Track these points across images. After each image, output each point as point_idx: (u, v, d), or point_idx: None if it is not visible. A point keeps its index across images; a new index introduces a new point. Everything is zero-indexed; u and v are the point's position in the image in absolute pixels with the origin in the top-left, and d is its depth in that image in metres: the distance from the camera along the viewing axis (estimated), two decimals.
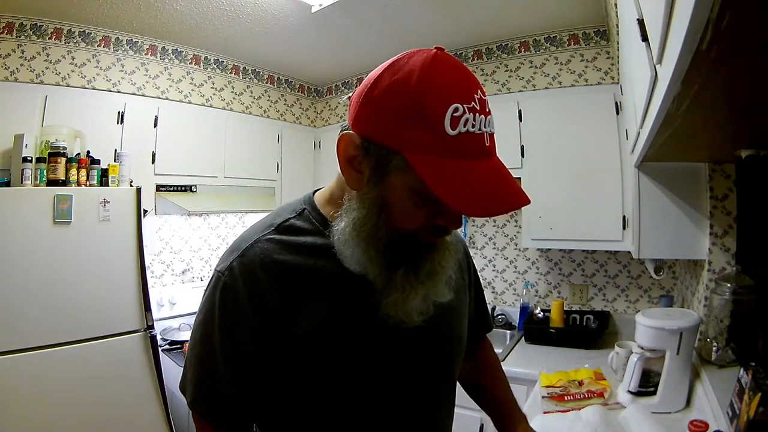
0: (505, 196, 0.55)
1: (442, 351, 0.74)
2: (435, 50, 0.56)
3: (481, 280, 0.98)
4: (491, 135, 0.56)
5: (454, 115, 0.52)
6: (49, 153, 1.92)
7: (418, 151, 0.53)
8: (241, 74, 3.11)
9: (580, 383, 1.63)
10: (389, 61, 0.58)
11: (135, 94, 2.53)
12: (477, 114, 0.54)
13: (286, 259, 0.64)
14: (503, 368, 1.02)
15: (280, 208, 0.72)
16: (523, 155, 2.40)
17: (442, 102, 0.52)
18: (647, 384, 1.39)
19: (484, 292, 0.94)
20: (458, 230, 0.71)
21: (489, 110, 0.56)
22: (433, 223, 0.60)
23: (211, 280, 0.67)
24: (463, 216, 0.60)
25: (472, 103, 0.54)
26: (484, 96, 0.56)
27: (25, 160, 1.86)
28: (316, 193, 0.72)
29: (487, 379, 0.97)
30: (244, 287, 0.63)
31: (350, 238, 0.61)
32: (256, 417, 0.70)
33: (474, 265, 0.90)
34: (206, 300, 0.66)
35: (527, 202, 0.56)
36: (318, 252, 0.64)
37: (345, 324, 0.64)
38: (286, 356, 0.63)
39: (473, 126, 0.53)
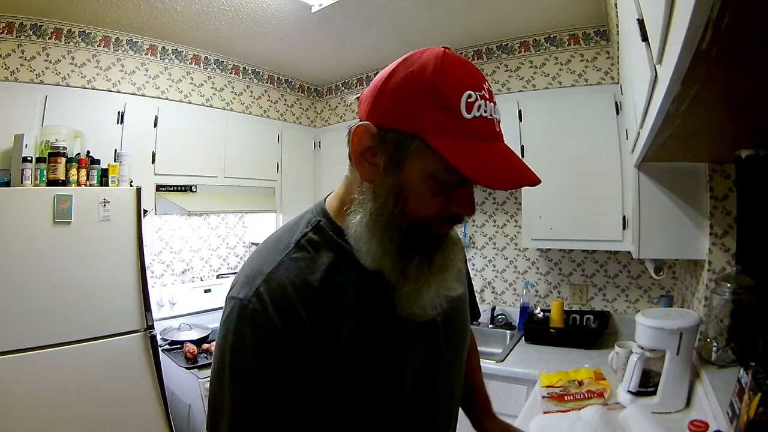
0: (521, 172, 0.58)
1: (456, 343, 0.76)
2: (443, 48, 0.60)
3: (476, 275, 1.04)
4: (499, 122, 0.60)
5: (468, 100, 0.56)
6: (49, 153, 1.92)
7: (436, 133, 0.56)
8: (241, 74, 3.11)
9: (580, 383, 1.63)
10: (401, 58, 0.61)
11: (135, 94, 2.53)
12: (487, 101, 0.58)
13: (314, 278, 0.62)
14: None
15: (293, 223, 0.69)
16: (523, 155, 2.39)
17: (458, 88, 0.56)
18: (647, 384, 1.39)
19: (485, 292, 0.98)
20: (457, 230, 0.73)
21: (495, 100, 0.60)
22: (448, 211, 0.61)
23: (231, 310, 0.61)
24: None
25: (482, 91, 0.57)
26: (490, 87, 0.60)
27: (25, 160, 1.86)
28: (326, 201, 0.71)
29: (469, 363, 0.98)
30: (278, 312, 0.58)
31: (366, 230, 0.61)
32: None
33: (465, 255, 0.92)
34: (233, 332, 0.60)
35: (539, 181, 0.58)
36: (341, 266, 0.63)
37: (373, 330, 0.64)
38: (320, 373, 0.61)
39: (485, 111, 0.57)
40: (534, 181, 0.58)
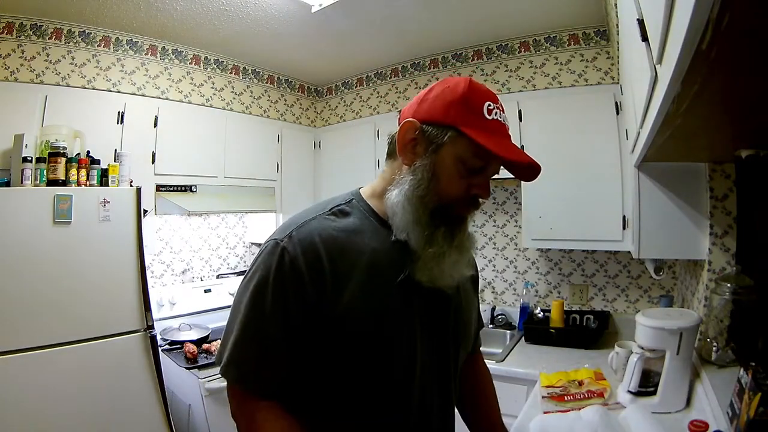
0: (529, 158, 0.74)
1: (457, 325, 0.85)
2: (469, 77, 0.78)
3: (480, 281, 1.13)
4: (508, 128, 0.78)
5: (488, 107, 0.74)
6: (49, 153, 1.92)
7: (466, 125, 0.72)
8: (241, 74, 3.11)
9: (580, 383, 1.63)
10: (437, 82, 0.80)
11: (135, 94, 2.53)
12: (500, 112, 0.76)
13: (339, 235, 0.74)
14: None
15: (330, 200, 0.82)
16: None
17: (482, 99, 0.74)
18: (647, 384, 1.39)
19: (485, 292, 1.09)
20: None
21: (505, 115, 0.78)
22: (469, 194, 0.75)
23: (265, 247, 0.74)
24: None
25: (498, 104, 0.76)
26: (502, 105, 0.77)
27: (25, 160, 1.86)
28: (360, 190, 0.85)
29: (482, 396, 1.03)
30: (303, 253, 0.70)
31: (404, 200, 0.74)
32: (290, 388, 0.74)
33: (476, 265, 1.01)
34: (260, 264, 0.72)
35: (540, 168, 0.76)
36: (365, 232, 0.76)
37: (377, 292, 0.73)
38: (329, 323, 0.70)
39: (500, 117, 0.75)
40: (539, 167, 0.75)
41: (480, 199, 0.78)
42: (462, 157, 0.73)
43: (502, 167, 0.77)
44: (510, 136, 0.77)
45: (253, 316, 0.71)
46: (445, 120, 0.73)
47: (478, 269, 1.05)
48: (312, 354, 0.72)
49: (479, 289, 1.07)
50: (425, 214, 0.74)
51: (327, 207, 0.79)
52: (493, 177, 0.78)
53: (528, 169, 0.76)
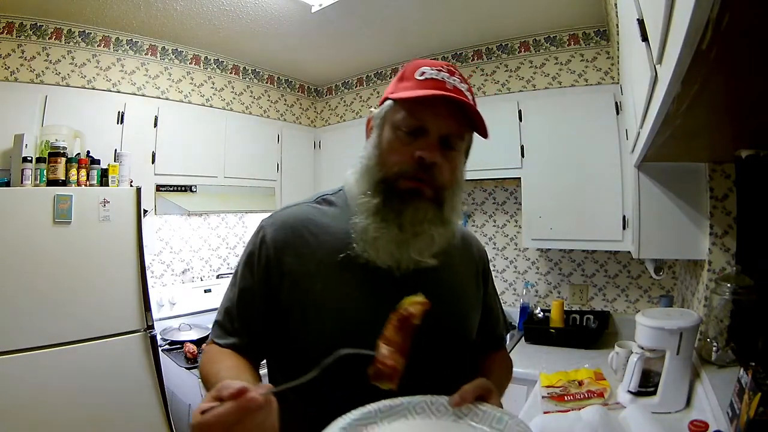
0: (450, 99, 0.73)
1: (440, 332, 0.78)
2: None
3: (500, 302, 1.04)
4: (456, 88, 0.75)
5: (422, 71, 0.76)
6: (49, 153, 1.92)
7: (396, 92, 0.77)
8: (241, 74, 3.10)
9: (580, 383, 1.63)
10: None
11: (135, 94, 2.53)
12: (442, 73, 0.76)
13: (314, 219, 0.81)
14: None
15: (324, 190, 0.88)
16: (523, 155, 2.40)
17: (416, 67, 0.78)
18: (647, 384, 1.39)
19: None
20: (472, 233, 0.88)
21: (462, 78, 0.78)
22: (414, 157, 0.73)
23: (255, 228, 0.84)
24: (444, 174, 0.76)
25: (438, 68, 0.76)
26: (455, 72, 0.78)
27: (25, 160, 1.86)
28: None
29: (489, 360, 0.95)
30: (274, 234, 0.79)
31: (356, 176, 0.79)
32: (261, 351, 0.82)
33: (492, 281, 0.99)
34: (248, 243, 0.83)
35: (470, 104, 0.75)
36: (341, 216, 0.80)
37: (340, 272, 0.76)
38: (288, 300, 0.76)
39: (438, 76, 0.75)
40: (467, 104, 0.74)
41: (426, 162, 0.73)
42: (397, 122, 0.75)
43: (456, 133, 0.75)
44: (452, 90, 0.74)
45: (237, 288, 0.80)
46: (384, 97, 0.80)
47: (488, 261, 0.98)
48: (280, 326, 0.78)
49: (494, 287, 1.00)
50: (370, 186, 0.76)
51: (316, 195, 0.87)
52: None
53: (465, 115, 0.75)
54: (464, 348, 0.86)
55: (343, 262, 0.75)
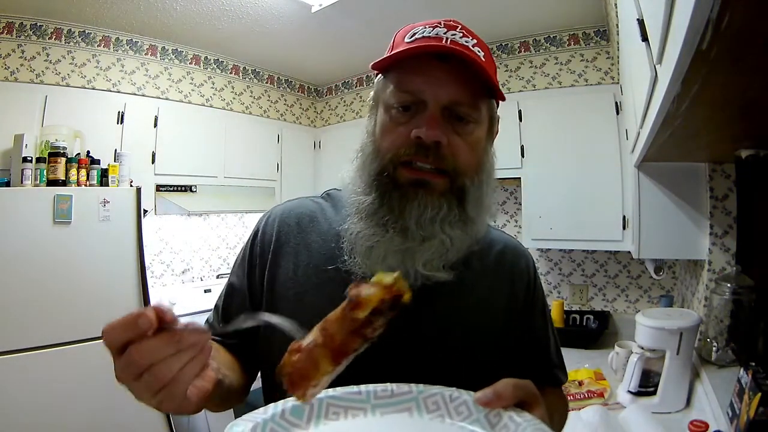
0: (435, 51, 0.60)
1: (444, 367, 0.62)
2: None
3: (552, 327, 0.78)
4: (456, 43, 0.61)
5: (413, 32, 0.63)
6: (49, 153, 1.92)
7: (385, 62, 0.63)
8: (241, 74, 3.10)
9: (580, 383, 1.63)
10: None
11: (135, 94, 2.53)
12: (437, 29, 0.62)
13: (316, 212, 0.74)
14: None
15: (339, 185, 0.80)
16: (523, 155, 2.40)
17: (405, 32, 0.65)
18: (647, 384, 1.39)
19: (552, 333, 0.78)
20: (521, 246, 0.77)
21: (467, 32, 0.63)
22: (410, 138, 0.59)
23: None
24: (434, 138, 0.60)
25: (436, 27, 0.62)
26: (454, 23, 0.64)
27: (25, 160, 1.86)
28: None
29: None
30: (268, 225, 0.75)
31: (352, 174, 0.68)
32: (248, 350, 0.73)
33: (544, 307, 0.77)
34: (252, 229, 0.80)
35: (471, 60, 0.59)
36: (340, 213, 0.70)
37: (323, 294, 0.64)
38: (266, 304, 0.70)
39: (430, 33, 0.62)
40: (467, 57, 0.59)
41: (426, 143, 0.58)
42: (387, 100, 0.62)
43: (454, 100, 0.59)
44: (451, 46, 0.60)
45: (227, 283, 0.80)
46: (377, 72, 0.68)
47: (537, 281, 0.76)
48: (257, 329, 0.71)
49: (546, 314, 0.77)
50: (365, 181, 0.63)
51: (323, 191, 0.81)
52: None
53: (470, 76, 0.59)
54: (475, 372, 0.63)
55: (330, 274, 0.64)
